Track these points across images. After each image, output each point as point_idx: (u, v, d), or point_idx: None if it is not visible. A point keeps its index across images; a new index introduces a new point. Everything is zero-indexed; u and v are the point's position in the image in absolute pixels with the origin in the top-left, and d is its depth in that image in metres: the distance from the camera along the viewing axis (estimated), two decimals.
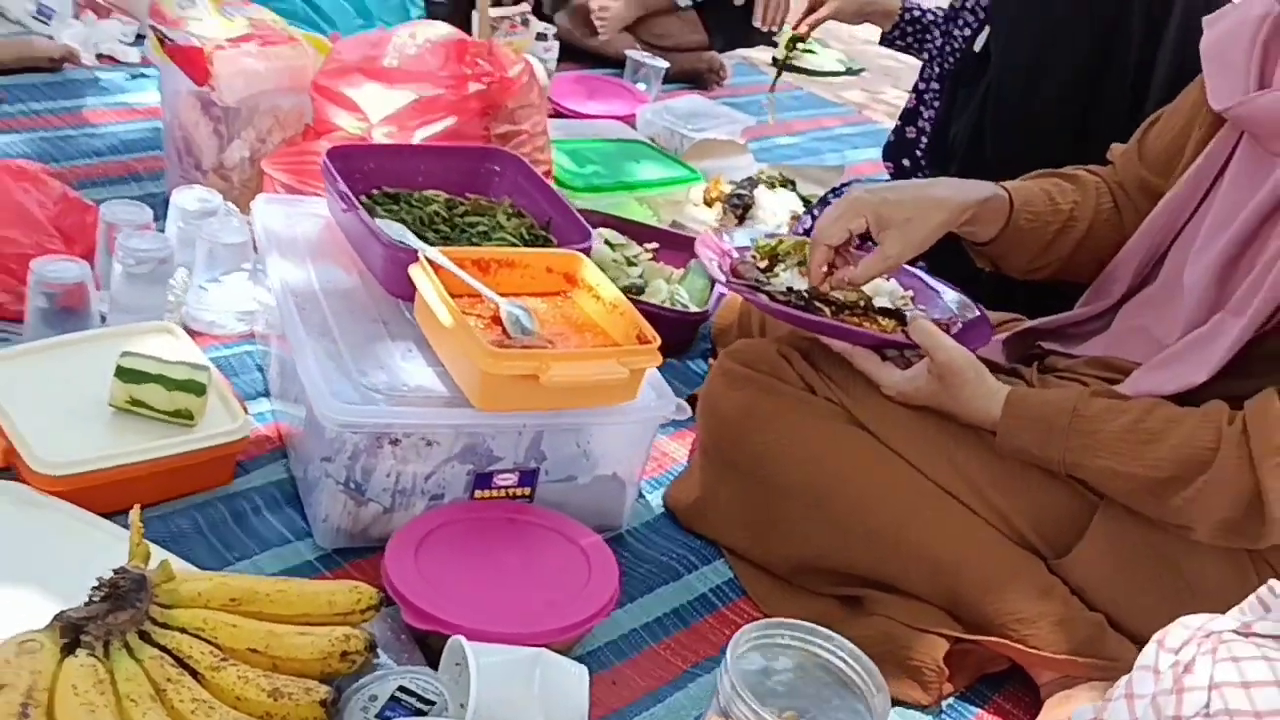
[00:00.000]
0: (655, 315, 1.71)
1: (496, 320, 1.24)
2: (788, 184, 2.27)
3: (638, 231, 1.92)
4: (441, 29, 1.68)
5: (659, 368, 1.26)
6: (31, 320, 1.35)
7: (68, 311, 1.34)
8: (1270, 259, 1.11)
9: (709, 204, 2.21)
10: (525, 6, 2.59)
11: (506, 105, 1.69)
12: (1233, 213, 1.17)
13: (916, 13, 2.16)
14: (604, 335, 1.29)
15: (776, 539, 1.29)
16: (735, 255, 1.36)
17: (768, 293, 1.27)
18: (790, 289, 1.28)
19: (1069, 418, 1.15)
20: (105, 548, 1.03)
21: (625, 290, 1.76)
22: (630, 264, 1.85)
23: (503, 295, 1.26)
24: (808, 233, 1.51)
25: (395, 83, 1.61)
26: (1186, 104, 1.31)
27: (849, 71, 3.52)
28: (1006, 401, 1.18)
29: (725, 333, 1.72)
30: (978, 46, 1.88)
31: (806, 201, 2.22)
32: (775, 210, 2.17)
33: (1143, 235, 1.30)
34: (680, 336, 1.76)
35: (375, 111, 1.58)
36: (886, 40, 2.22)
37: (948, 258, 1.43)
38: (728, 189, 2.20)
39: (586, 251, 1.40)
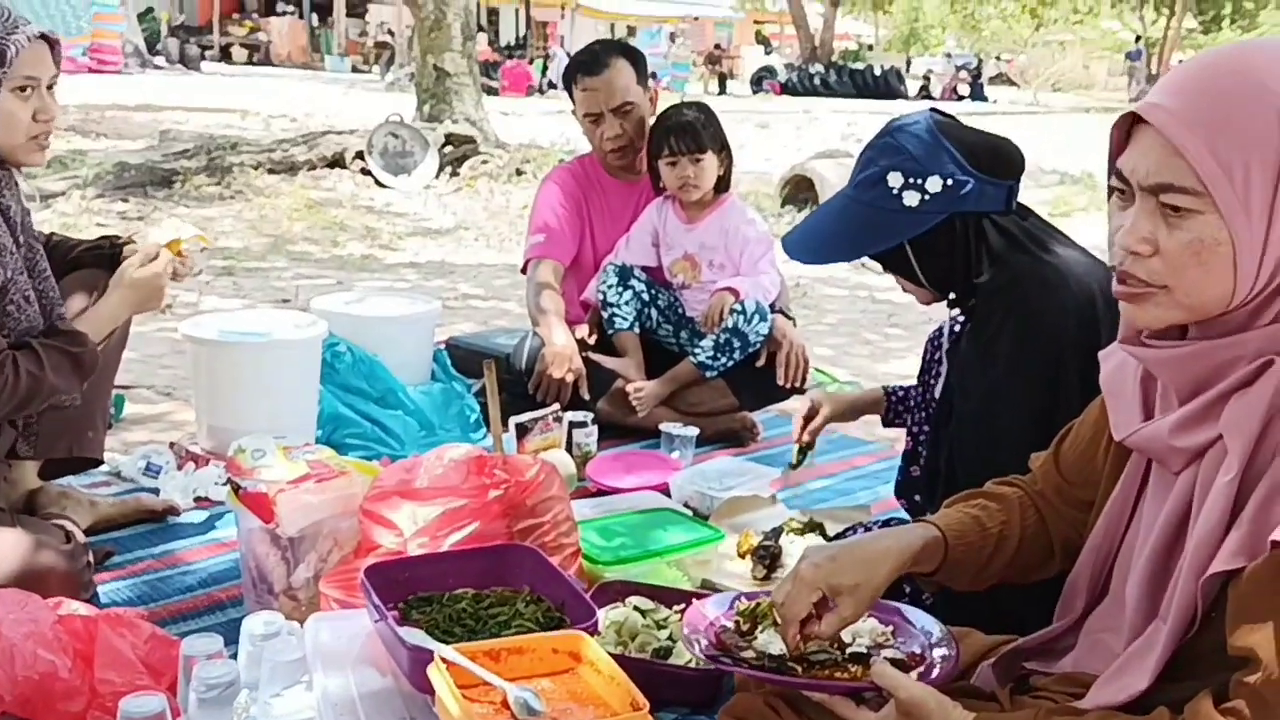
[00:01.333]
0: (680, 675, 1.87)
1: (506, 705, 1.40)
2: (815, 528, 2.43)
3: (667, 595, 2.09)
4: (464, 449, 1.96)
5: None
6: None
7: None
8: (1184, 566, 1.22)
9: (742, 557, 2.38)
10: (556, 406, 2.92)
11: (525, 503, 1.93)
12: (1152, 526, 1.30)
13: (901, 392, 2.40)
14: (605, 706, 1.43)
15: None
16: (721, 623, 1.51)
17: (745, 661, 1.41)
18: (765, 654, 1.42)
19: None
20: None
21: (655, 653, 1.92)
22: (659, 626, 2.00)
23: (515, 679, 1.43)
24: None
25: (426, 500, 1.87)
26: (1091, 418, 1.47)
27: None
28: None
29: (745, 683, 1.84)
30: (937, 394, 2.10)
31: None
32: None
33: (1088, 553, 1.42)
34: (706, 693, 1.89)
35: (409, 526, 1.84)
36: (887, 423, 2.44)
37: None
38: (757, 541, 2.37)
39: (591, 630, 1.57)
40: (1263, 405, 1.12)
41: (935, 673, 1.38)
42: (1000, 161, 1.87)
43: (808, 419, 2.44)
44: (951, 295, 1.97)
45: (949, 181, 1.82)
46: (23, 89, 2.06)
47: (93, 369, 2.20)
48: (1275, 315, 1.14)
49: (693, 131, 3.17)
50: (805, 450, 2.51)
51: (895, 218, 1.85)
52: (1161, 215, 1.12)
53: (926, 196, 1.84)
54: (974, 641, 1.56)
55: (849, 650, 1.44)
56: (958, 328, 2.10)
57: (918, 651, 1.45)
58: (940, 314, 2.10)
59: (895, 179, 1.84)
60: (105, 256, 2.39)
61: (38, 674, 1.66)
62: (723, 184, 3.29)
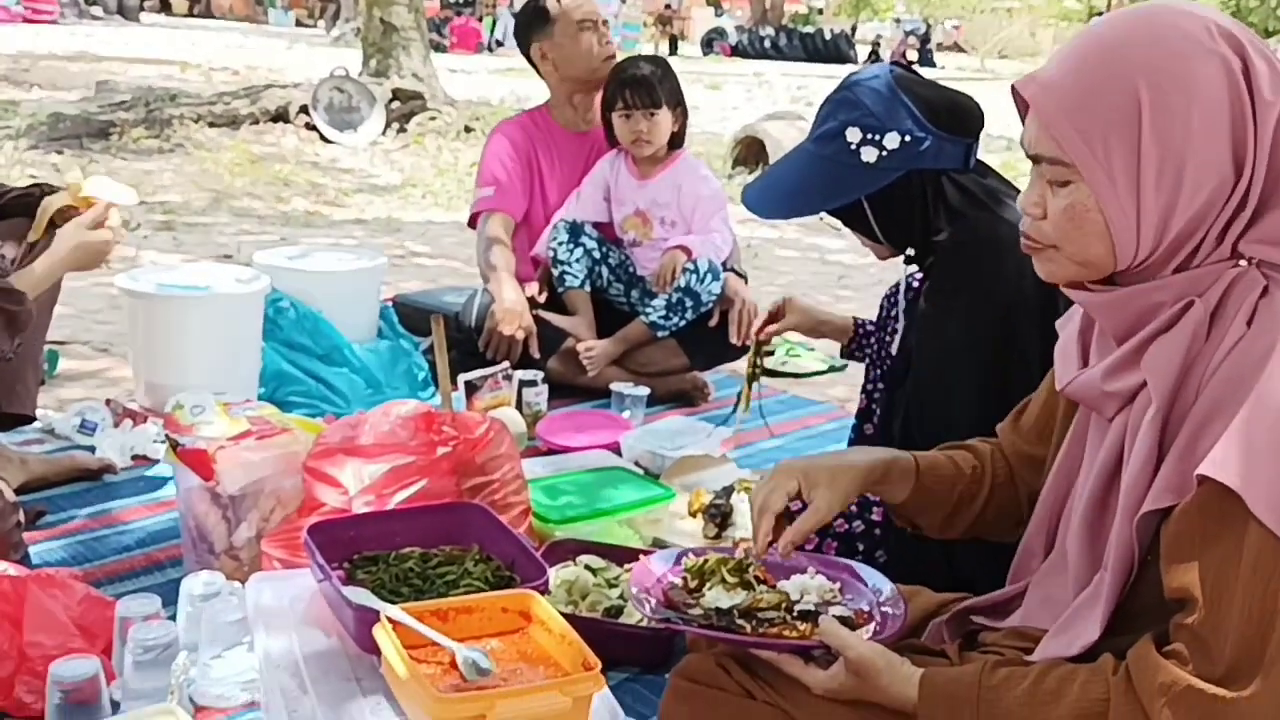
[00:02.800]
0: (631, 634, 1.85)
1: (455, 665, 1.37)
2: None
3: (618, 554, 2.07)
4: (410, 405, 1.91)
5: (633, 685, 1.35)
6: (50, 717, 1.50)
7: (80, 706, 1.49)
8: (1119, 510, 1.22)
9: (694, 515, 2.36)
10: (506, 365, 2.87)
11: (475, 460, 1.89)
12: (1088, 477, 1.30)
13: (870, 326, 2.37)
14: (556, 666, 1.41)
15: None
16: (668, 580, 1.49)
17: (692, 619, 1.39)
18: (715, 609, 1.40)
19: (976, 690, 1.23)
20: None
21: (606, 612, 1.90)
22: (611, 585, 1.98)
23: (464, 639, 1.40)
24: None
25: (372, 457, 1.82)
26: (1048, 383, 1.47)
27: (832, 369, 3.75)
28: (920, 684, 1.27)
29: (697, 643, 1.82)
30: (894, 350, 2.08)
31: None
32: None
33: (1039, 511, 1.42)
34: (657, 652, 1.87)
35: (354, 484, 1.79)
36: (845, 353, 2.38)
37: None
38: (709, 499, 2.36)
39: (542, 589, 1.54)
40: (1183, 345, 1.14)
41: (884, 630, 1.37)
42: (959, 119, 1.85)
43: (771, 319, 2.32)
44: (909, 252, 1.96)
45: (907, 138, 1.80)
46: None
47: (27, 326, 2.11)
48: (1188, 261, 1.16)
49: (648, 85, 3.12)
50: (760, 349, 2.32)
51: (853, 173, 1.83)
52: (1047, 181, 1.19)
53: (884, 153, 1.81)
54: (923, 599, 1.55)
55: (797, 608, 1.42)
56: (915, 284, 2.08)
57: (865, 609, 1.44)
58: (895, 273, 2.08)
59: (854, 134, 1.81)
60: (36, 205, 2.30)
61: None
62: (677, 140, 3.24)
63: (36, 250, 2.23)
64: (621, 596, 1.94)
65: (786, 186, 1.92)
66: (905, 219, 1.88)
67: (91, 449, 2.56)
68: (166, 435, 1.98)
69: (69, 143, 7.40)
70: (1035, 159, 1.19)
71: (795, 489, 1.41)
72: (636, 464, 2.62)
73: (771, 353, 3.61)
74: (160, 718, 1.47)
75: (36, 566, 1.94)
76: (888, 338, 2.25)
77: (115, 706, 1.57)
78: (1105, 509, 1.26)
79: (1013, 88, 1.22)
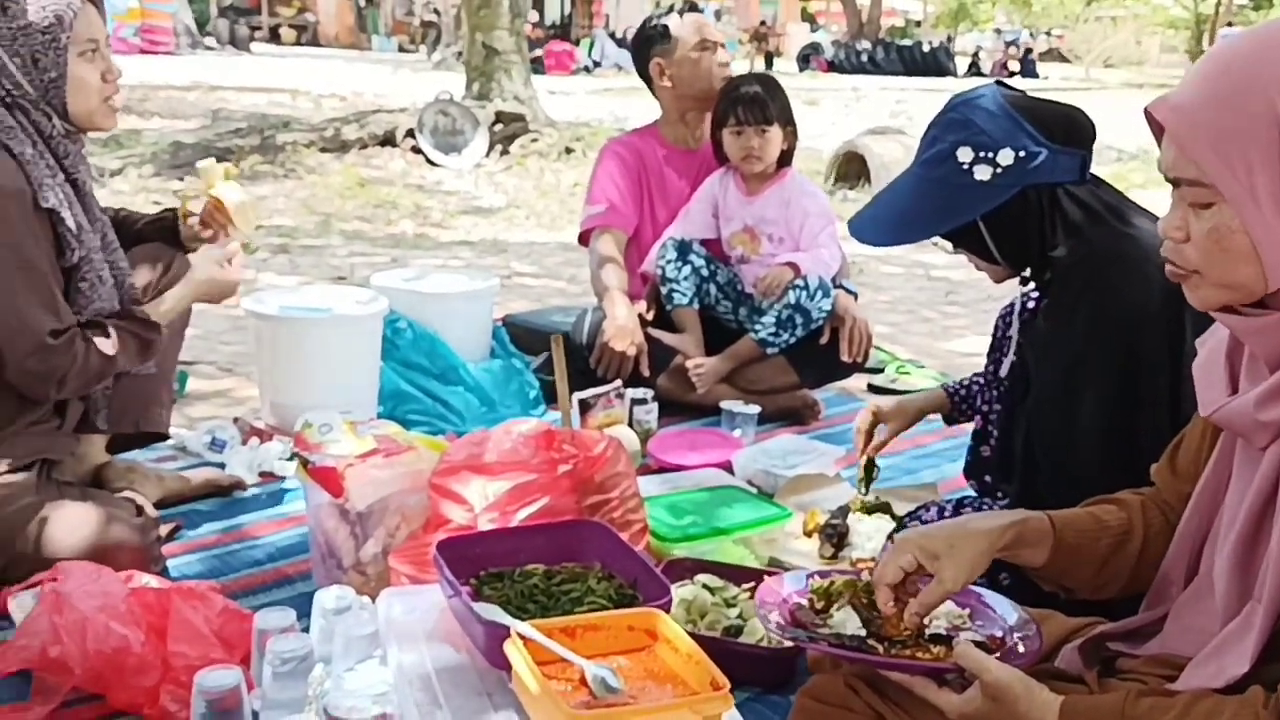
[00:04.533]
0: (752, 655, 1.85)
1: (585, 682, 1.38)
2: (882, 507, 2.39)
3: (735, 573, 2.07)
4: (531, 424, 1.94)
5: (755, 704, 1.35)
6: None
7: (224, 714, 1.54)
8: (1275, 546, 1.18)
9: (809, 535, 2.35)
10: (618, 383, 2.89)
11: (594, 478, 1.91)
12: (1238, 507, 1.26)
13: (961, 390, 2.32)
14: (684, 685, 1.41)
15: None
16: (794, 600, 1.48)
17: (824, 639, 1.38)
18: (842, 634, 1.39)
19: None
20: None
21: (725, 631, 1.90)
22: (729, 605, 1.98)
23: (591, 657, 1.41)
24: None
25: (495, 474, 1.85)
26: (1200, 419, 1.43)
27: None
28: (1060, 711, 1.24)
29: (819, 663, 1.81)
30: (1003, 373, 2.04)
31: (899, 522, 2.33)
32: (870, 535, 2.29)
33: (1180, 538, 1.38)
34: (779, 672, 1.86)
35: (479, 501, 1.82)
36: (951, 421, 2.36)
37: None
38: (823, 519, 2.34)
39: (666, 607, 1.55)
40: None
41: (1020, 655, 1.34)
42: (1072, 131, 1.81)
43: (869, 434, 2.33)
44: (1026, 271, 1.92)
45: (1021, 153, 1.77)
46: (86, 52, 2.06)
47: (157, 353, 2.21)
48: None
49: (760, 103, 3.13)
50: (871, 469, 2.37)
51: (967, 193, 1.80)
52: (1189, 204, 1.16)
53: (998, 169, 1.78)
54: (1056, 624, 1.51)
55: (929, 632, 1.40)
56: (1030, 304, 2.05)
57: (998, 634, 1.41)
58: (1005, 292, 2.05)
59: (965, 154, 1.78)
60: (168, 229, 2.41)
61: (110, 648, 1.66)
62: (785, 158, 3.24)
63: (172, 270, 2.33)
64: (740, 616, 1.94)
65: (897, 212, 1.89)
66: (1022, 237, 1.85)
67: (221, 466, 2.65)
68: (296, 453, 2.04)
69: (189, 170, 7.69)
70: (1175, 182, 1.17)
71: (912, 563, 1.37)
72: (749, 482, 2.62)
73: (905, 371, 3.61)
74: None
75: (175, 579, 2.01)
76: (1000, 358, 2.21)
77: (255, 716, 1.62)
78: (1257, 540, 1.22)
79: (1146, 111, 1.20)
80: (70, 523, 1.97)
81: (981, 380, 2.28)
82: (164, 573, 2.07)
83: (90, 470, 2.36)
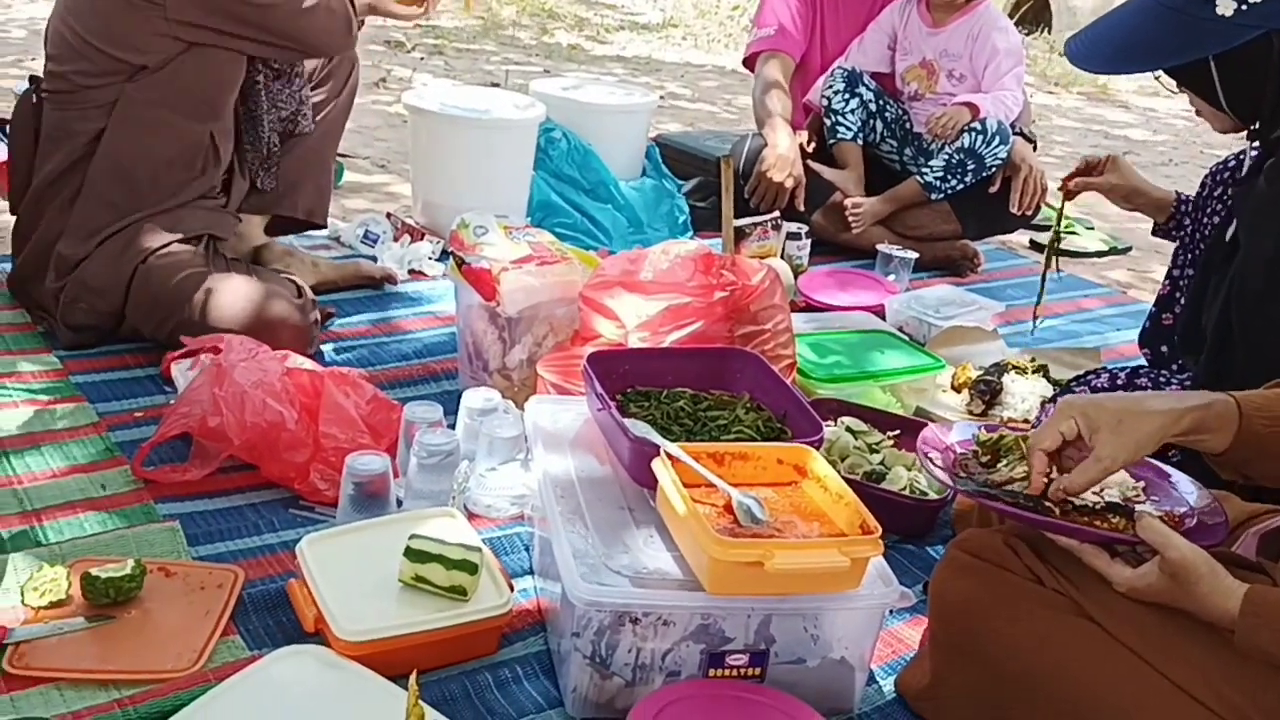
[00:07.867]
0: (894, 502, 1.80)
1: (729, 509, 1.36)
2: (1039, 369, 2.28)
3: (880, 419, 2.00)
4: (691, 245, 1.88)
5: (891, 553, 1.31)
6: (343, 505, 1.60)
7: (371, 498, 1.58)
8: None
9: (956, 390, 2.26)
10: (775, 214, 2.79)
11: (749, 308, 1.85)
12: None
13: (1187, 205, 2.14)
14: (830, 524, 1.37)
15: None
16: (957, 450, 1.41)
17: (996, 495, 1.30)
18: (1015, 491, 1.31)
19: None
20: (388, 708, 1.20)
21: (866, 476, 1.85)
22: (872, 450, 1.92)
23: (736, 485, 1.38)
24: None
25: (650, 294, 1.81)
26: None
27: (1114, 251, 3.48)
28: (1245, 599, 1.16)
29: (964, 518, 1.76)
30: (1228, 236, 1.88)
31: (1058, 386, 2.22)
32: (1024, 396, 2.19)
33: None
34: (919, 522, 1.82)
35: (631, 319, 1.78)
36: (1160, 231, 2.18)
37: None
38: (975, 374, 2.25)
39: (817, 444, 1.50)
40: None
41: (1203, 534, 1.25)
42: None
43: (1084, 171, 2.16)
44: (1255, 125, 1.74)
45: None
46: None
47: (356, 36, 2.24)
48: None
49: None
50: (1061, 218, 2.26)
51: (1204, 26, 1.61)
52: None
53: (1244, 5, 1.59)
54: (1233, 507, 1.41)
55: (1105, 498, 1.32)
56: (1252, 160, 1.86)
57: (1178, 512, 1.32)
58: (1188, 152, 1.85)
59: None
60: None
61: (265, 422, 1.70)
62: None
63: None
64: (883, 462, 1.88)
65: (1121, 39, 1.71)
66: (1258, 85, 1.66)
67: (373, 258, 2.67)
68: (451, 252, 2.03)
69: None
70: None
71: (1073, 430, 1.26)
72: (901, 329, 2.53)
73: (1073, 230, 3.39)
74: (441, 519, 1.54)
75: (328, 364, 2.05)
76: (1205, 218, 2.03)
77: (398, 503, 1.65)
78: None
79: None
80: (235, 295, 2.01)
81: (1184, 234, 2.10)
82: (318, 357, 2.11)
83: (249, 251, 2.40)
